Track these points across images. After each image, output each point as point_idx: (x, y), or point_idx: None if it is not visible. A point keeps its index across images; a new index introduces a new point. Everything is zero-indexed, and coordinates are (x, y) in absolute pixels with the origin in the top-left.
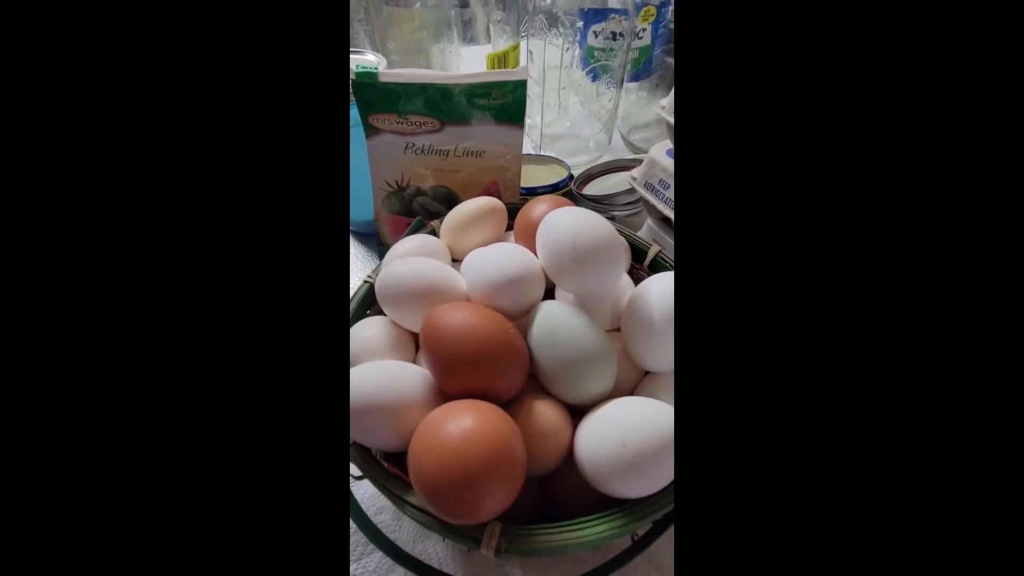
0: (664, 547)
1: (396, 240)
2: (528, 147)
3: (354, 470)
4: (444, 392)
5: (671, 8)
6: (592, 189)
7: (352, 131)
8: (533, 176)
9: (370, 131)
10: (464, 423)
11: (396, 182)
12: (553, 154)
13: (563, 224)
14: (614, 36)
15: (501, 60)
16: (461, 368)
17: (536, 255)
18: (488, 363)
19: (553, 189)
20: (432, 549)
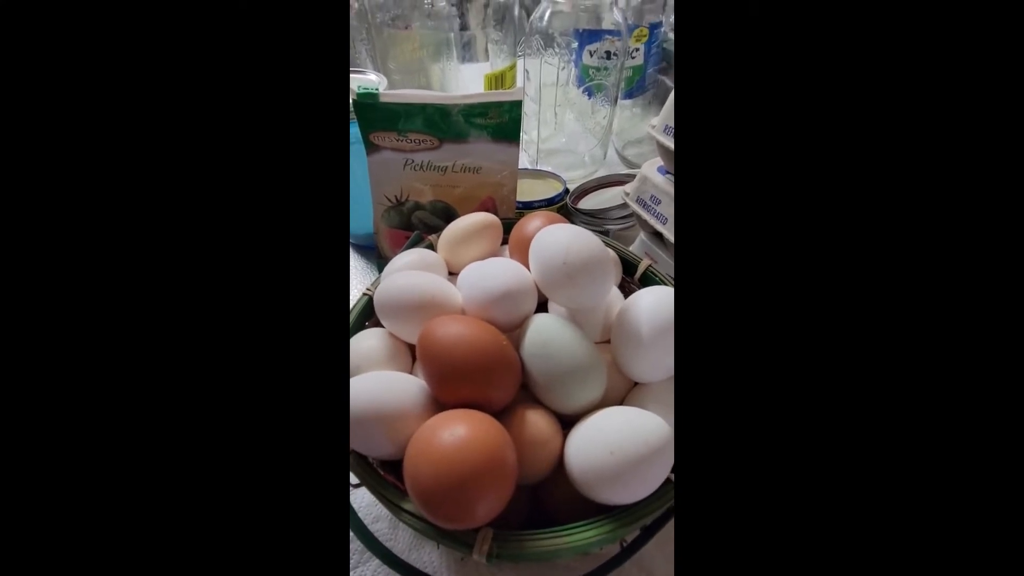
0: (655, 552)
1: (395, 253)
2: (525, 162)
3: (352, 478)
4: (439, 402)
5: (663, 29)
6: (587, 203)
7: (352, 148)
8: (530, 190)
9: (371, 148)
10: (458, 431)
11: (395, 197)
12: (549, 169)
13: (555, 240)
14: (608, 55)
15: (498, 79)
16: (456, 379)
17: (529, 269)
18: (482, 374)
19: (549, 203)
20: (427, 557)
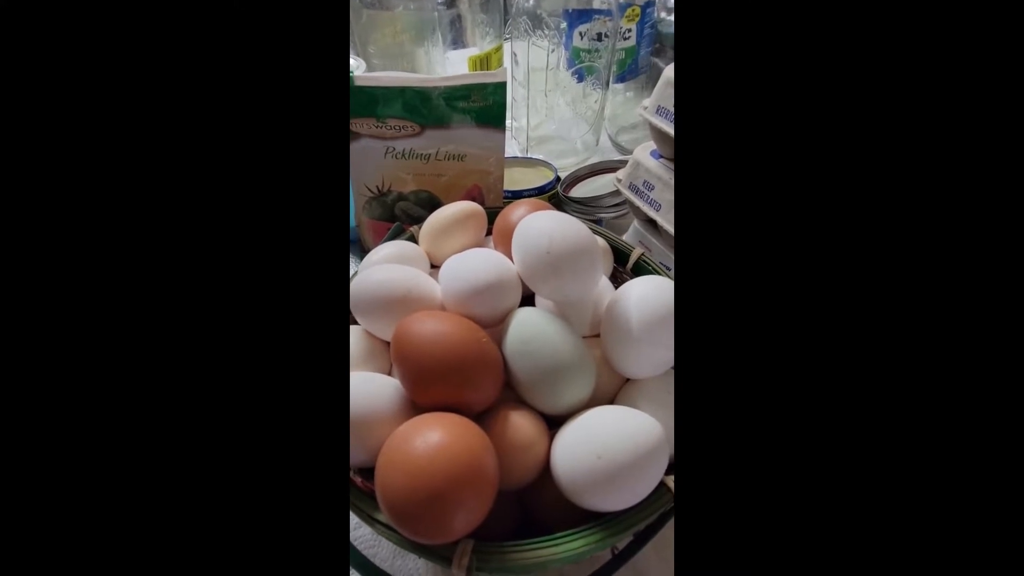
0: (652, 557)
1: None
2: (515, 150)
3: None
4: (416, 404)
5: (656, 9)
6: (579, 191)
7: None
8: (520, 179)
9: (350, 136)
10: (432, 438)
11: (377, 187)
12: (541, 156)
13: (538, 228)
14: (599, 37)
15: (483, 62)
16: (432, 379)
17: (512, 261)
18: (460, 374)
19: (539, 192)
20: (412, 564)
